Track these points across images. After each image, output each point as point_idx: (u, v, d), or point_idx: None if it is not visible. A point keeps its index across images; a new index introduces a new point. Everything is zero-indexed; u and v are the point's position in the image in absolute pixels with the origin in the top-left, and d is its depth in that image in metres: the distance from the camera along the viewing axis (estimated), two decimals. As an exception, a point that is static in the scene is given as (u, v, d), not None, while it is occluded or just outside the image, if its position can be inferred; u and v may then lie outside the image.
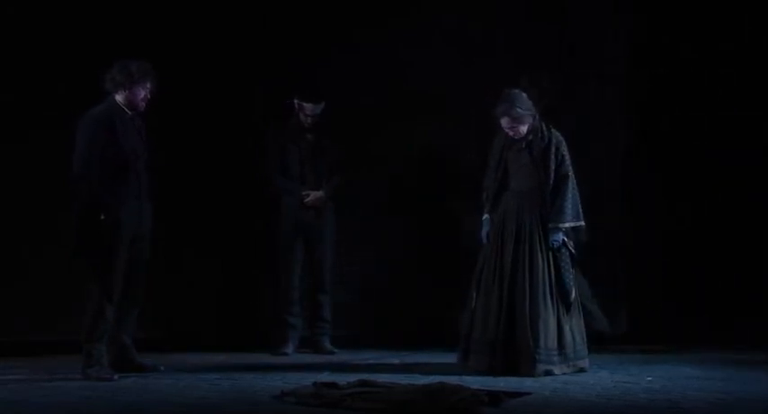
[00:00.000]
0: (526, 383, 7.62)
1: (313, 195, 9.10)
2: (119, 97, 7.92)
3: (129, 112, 7.93)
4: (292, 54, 9.37)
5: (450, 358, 8.33)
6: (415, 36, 9.60)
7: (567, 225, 8.10)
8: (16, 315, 8.70)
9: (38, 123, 8.74)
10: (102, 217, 7.73)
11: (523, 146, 8.23)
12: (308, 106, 9.09)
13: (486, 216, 8.34)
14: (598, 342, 8.78)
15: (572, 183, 8.15)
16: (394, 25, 9.56)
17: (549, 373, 7.92)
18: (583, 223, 8.18)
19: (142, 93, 7.91)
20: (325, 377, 7.65)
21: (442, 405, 6.74)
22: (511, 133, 8.22)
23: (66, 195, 7.88)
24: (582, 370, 8.08)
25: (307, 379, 7.54)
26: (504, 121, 8.19)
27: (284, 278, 9.14)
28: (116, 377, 7.74)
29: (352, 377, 7.52)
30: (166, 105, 8.21)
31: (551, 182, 8.13)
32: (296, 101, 9.11)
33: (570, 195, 8.12)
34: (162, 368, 8.09)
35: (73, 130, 7.81)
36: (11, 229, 8.77)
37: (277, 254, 9.20)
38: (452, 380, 7.55)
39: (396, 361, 8.72)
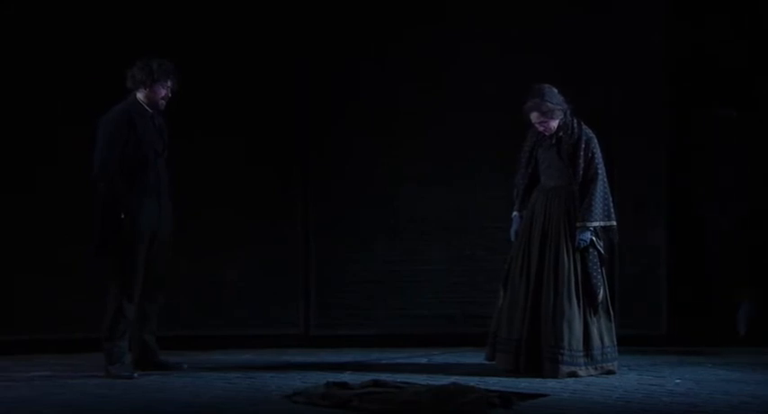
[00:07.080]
0: (549, 385, 7.48)
1: None
2: (139, 95, 7.92)
3: (150, 110, 7.93)
4: (332, 52, 9.29)
5: (481, 358, 8.20)
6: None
7: (595, 224, 7.90)
8: (40, 313, 8.74)
9: (60, 121, 8.78)
10: (122, 215, 7.74)
11: (553, 142, 8.06)
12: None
13: (515, 213, 8.19)
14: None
15: (602, 181, 7.94)
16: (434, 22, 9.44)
17: (573, 374, 7.74)
18: (614, 223, 7.98)
19: (162, 91, 7.90)
20: (345, 377, 7.57)
21: (450, 406, 6.66)
22: (541, 129, 8.05)
23: (87, 193, 7.92)
24: (610, 372, 7.88)
25: (326, 378, 7.46)
26: (534, 116, 8.02)
27: None
28: (136, 375, 7.75)
29: (374, 377, 7.45)
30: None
31: (580, 179, 7.94)
32: None
33: (600, 194, 7.91)
34: (185, 366, 8.06)
35: (94, 127, 7.83)
36: (33, 228, 8.80)
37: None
38: (473, 381, 7.46)
39: (424, 360, 8.61)
